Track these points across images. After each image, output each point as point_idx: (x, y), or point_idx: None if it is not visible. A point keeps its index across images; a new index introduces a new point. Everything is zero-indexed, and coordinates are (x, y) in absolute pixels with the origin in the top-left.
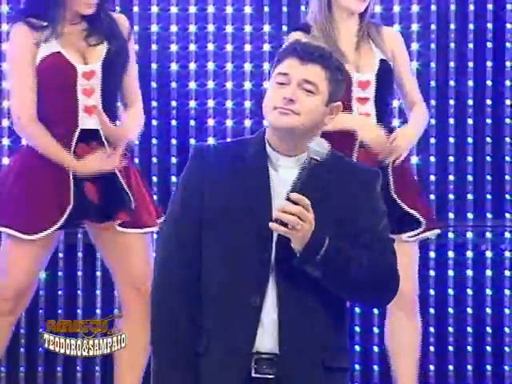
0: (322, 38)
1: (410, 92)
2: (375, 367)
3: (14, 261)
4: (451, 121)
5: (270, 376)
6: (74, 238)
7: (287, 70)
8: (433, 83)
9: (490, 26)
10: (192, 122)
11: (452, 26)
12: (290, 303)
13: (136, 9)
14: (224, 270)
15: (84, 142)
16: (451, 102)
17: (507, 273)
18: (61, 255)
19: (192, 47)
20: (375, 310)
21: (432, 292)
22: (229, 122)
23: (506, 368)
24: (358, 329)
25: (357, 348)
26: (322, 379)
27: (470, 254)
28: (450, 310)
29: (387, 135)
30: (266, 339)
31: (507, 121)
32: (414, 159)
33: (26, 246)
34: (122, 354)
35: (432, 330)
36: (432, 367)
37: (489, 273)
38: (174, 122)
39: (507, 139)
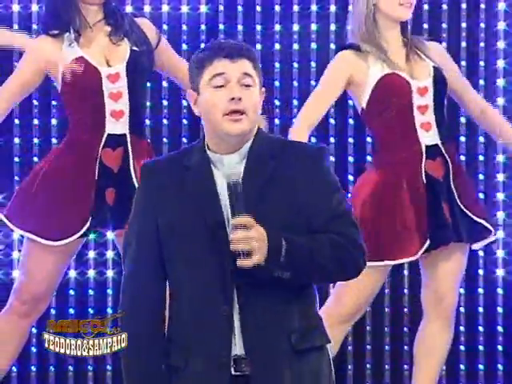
0: (373, 53)
1: (476, 98)
2: (386, 366)
3: (35, 265)
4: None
5: (247, 372)
6: None
7: (222, 69)
8: None
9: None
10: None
11: (463, 25)
12: (250, 301)
13: (147, 8)
14: (192, 284)
15: (110, 147)
16: None
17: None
18: None
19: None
20: (386, 310)
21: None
22: None
23: None
24: (368, 328)
25: (368, 347)
26: (296, 362)
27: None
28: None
29: None
30: (239, 343)
31: None
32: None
33: (47, 251)
34: None
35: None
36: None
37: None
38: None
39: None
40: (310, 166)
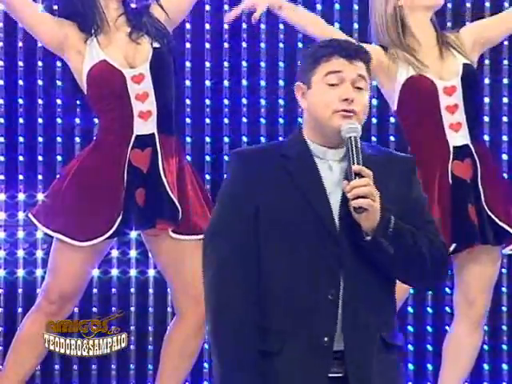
0: (400, 57)
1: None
2: (410, 366)
3: (63, 265)
4: None
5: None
6: None
7: (339, 68)
8: None
9: None
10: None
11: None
12: (354, 287)
13: None
14: (292, 270)
15: (139, 148)
16: None
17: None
18: None
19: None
20: (410, 309)
21: None
22: (263, 120)
23: None
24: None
25: None
26: (383, 354)
27: None
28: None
29: None
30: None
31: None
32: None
33: (76, 251)
34: (170, 357)
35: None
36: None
37: None
38: (226, 120)
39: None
40: (405, 173)
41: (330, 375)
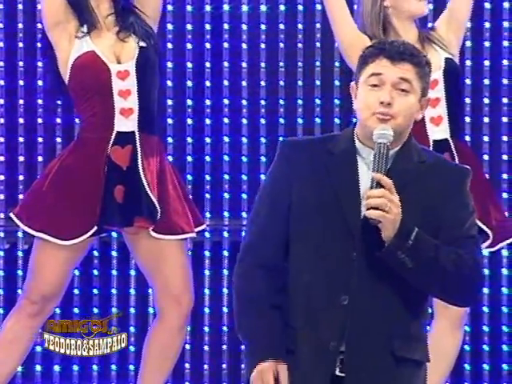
0: None
1: None
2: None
3: (45, 265)
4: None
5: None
6: None
7: (380, 70)
8: None
9: (487, 24)
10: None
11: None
12: (367, 295)
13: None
14: (313, 267)
15: (119, 145)
16: None
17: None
18: None
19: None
20: None
21: None
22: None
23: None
24: None
25: None
26: (393, 369)
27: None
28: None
29: None
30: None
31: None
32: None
33: (58, 251)
34: (151, 357)
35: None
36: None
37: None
38: (208, 121)
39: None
40: (455, 183)
41: (340, 374)
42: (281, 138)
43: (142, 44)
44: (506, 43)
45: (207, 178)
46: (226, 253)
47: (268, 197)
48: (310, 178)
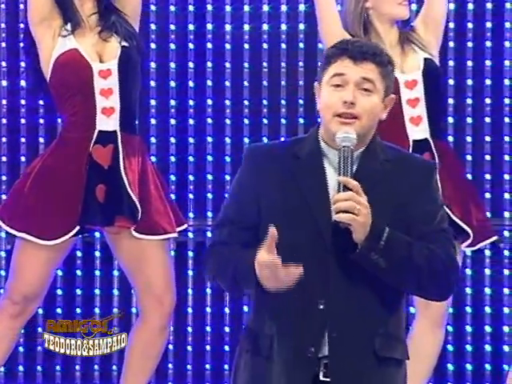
0: None
1: None
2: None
3: (27, 265)
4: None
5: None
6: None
7: (343, 70)
8: None
9: (488, 24)
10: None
11: (451, 25)
12: (344, 297)
13: None
14: None
15: (101, 144)
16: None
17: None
18: None
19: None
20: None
21: None
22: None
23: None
24: None
25: None
26: (376, 369)
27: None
28: (468, 309)
29: None
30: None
31: (506, 120)
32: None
33: (41, 251)
34: (134, 357)
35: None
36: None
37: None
38: (191, 121)
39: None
40: (422, 179)
41: (325, 379)
42: (265, 139)
43: (125, 44)
44: (488, 44)
45: (191, 178)
46: None
47: (235, 204)
48: (278, 184)
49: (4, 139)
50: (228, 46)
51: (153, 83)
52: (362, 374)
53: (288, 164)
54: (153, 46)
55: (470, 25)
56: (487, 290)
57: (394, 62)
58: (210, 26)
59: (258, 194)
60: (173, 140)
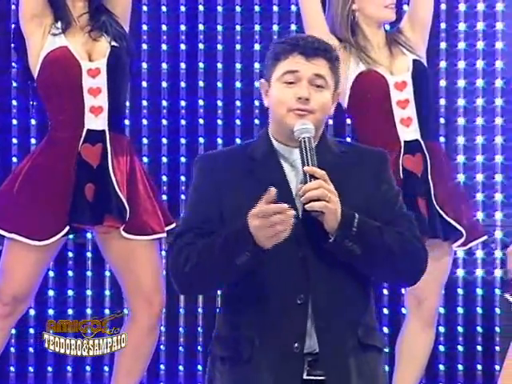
0: (352, 52)
1: None
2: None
3: (17, 266)
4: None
5: (320, 377)
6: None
7: (296, 67)
8: None
9: (480, 25)
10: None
11: (443, 26)
12: (322, 290)
13: None
14: (261, 274)
15: (89, 143)
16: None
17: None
18: None
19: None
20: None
21: None
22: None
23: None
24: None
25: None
26: (361, 356)
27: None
28: (460, 310)
29: None
30: (310, 333)
31: (498, 121)
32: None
33: (30, 251)
34: (124, 358)
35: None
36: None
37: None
38: (183, 122)
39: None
40: (377, 167)
41: (310, 378)
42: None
43: (114, 44)
44: (480, 45)
45: (182, 178)
46: None
47: (195, 214)
48: (238, 188)
49: None
50: (220, 47)
51: (144, 84)
52: (351, 362)
53: (245, 166)
54: (144, 46)
55: (461, 26)
56: (479, 291)
57: (383, 63)
58: (201, 27)
59: (219, 200)
60: (164, 141)
